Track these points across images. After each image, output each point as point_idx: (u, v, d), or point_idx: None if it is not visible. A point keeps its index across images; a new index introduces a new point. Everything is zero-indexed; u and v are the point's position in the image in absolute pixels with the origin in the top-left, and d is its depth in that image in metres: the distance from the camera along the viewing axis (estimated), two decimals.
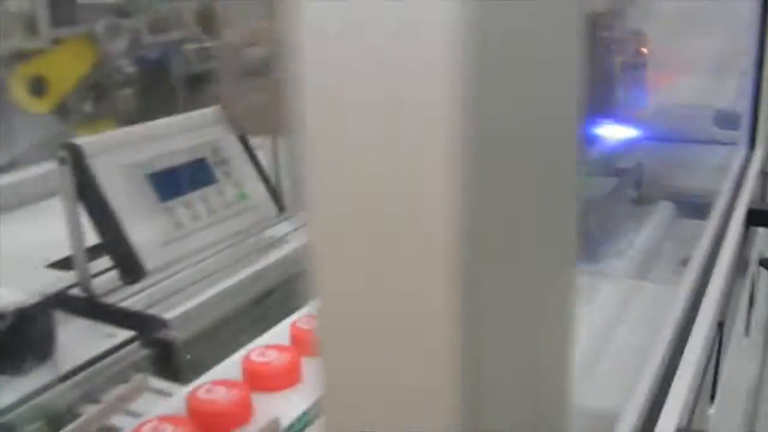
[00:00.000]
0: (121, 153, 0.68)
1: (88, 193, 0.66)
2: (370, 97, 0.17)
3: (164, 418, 0.47)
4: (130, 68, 1.63)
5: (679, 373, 0.54)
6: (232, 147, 0.77)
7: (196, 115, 0.79)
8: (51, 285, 0.69)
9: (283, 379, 0.53)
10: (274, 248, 0.79)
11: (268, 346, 0.55)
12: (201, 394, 0.49)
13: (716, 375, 0.66)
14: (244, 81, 0.23)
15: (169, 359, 0.65)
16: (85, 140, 0.67)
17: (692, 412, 0.55)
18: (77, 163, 0.66)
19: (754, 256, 0.86)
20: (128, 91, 1.63)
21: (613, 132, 1.05)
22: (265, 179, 0.80)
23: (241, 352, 0.56)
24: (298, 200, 0.82)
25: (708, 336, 0.58)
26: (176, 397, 0.52)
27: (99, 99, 1.62)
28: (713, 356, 0.63)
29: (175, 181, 0.71)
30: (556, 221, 0.22)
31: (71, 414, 0.57)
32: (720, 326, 0.63)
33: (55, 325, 0.60)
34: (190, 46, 1.67)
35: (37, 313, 0.59)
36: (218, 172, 0.75)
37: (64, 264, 0.76)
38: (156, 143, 0.71)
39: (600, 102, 1.02)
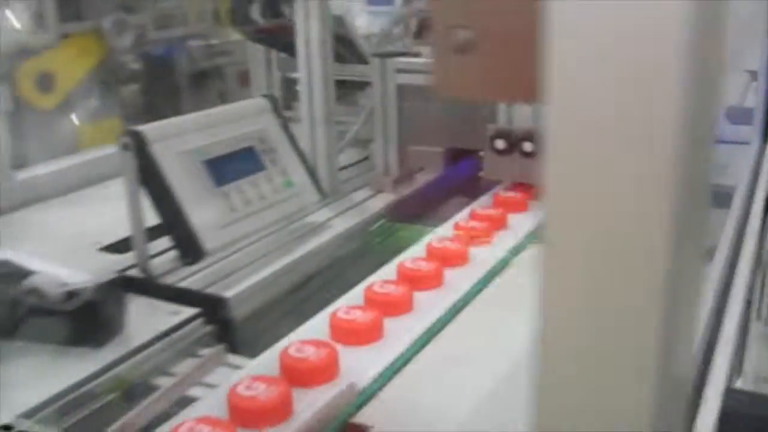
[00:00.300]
0: (179, 140, 0.71)
1: (150, 178, 0.69)
2: (603, 98, 0.20)
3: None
4: (135, 64, 1.65)
5: (719, 343, 0.58)
6: (277, 136, 0.81)
7: (243, 105, 0.82)
8: (110, 266, 0.72)
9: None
10: (317, 234, 0.82)
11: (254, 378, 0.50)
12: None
13: (743, 351, 0.70)
14: (453, 57, 0.26)
15: (229, 335, 0.68)
16: (147, 127, 0.70)
17: (730, 381, 0.59)
18: (140, 149, 0.69)
19: (767, 246, 0.91)
20: (134, 87, 1.65)
21: None
22: (308, 167, 0.83)
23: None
24: (335, 187, 0.85)
25: (741, 309, 0.62)
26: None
27: (105, 95, 1.63)
28: (742, 332, 0.67)
29: (228, 168, 0.74)
30: (703, 212, 0.25)
31: (145, 385, 0.60)
32: (748, 303, 0.68)
33: (126, 301, 0.63)
34: (194, 43, 1.69)
35: (111, 290, 0.62)
36: (266, 160, 0.78)
37: (116, 248, 0.79)
38: (209, 131, 0.75)
39: None
